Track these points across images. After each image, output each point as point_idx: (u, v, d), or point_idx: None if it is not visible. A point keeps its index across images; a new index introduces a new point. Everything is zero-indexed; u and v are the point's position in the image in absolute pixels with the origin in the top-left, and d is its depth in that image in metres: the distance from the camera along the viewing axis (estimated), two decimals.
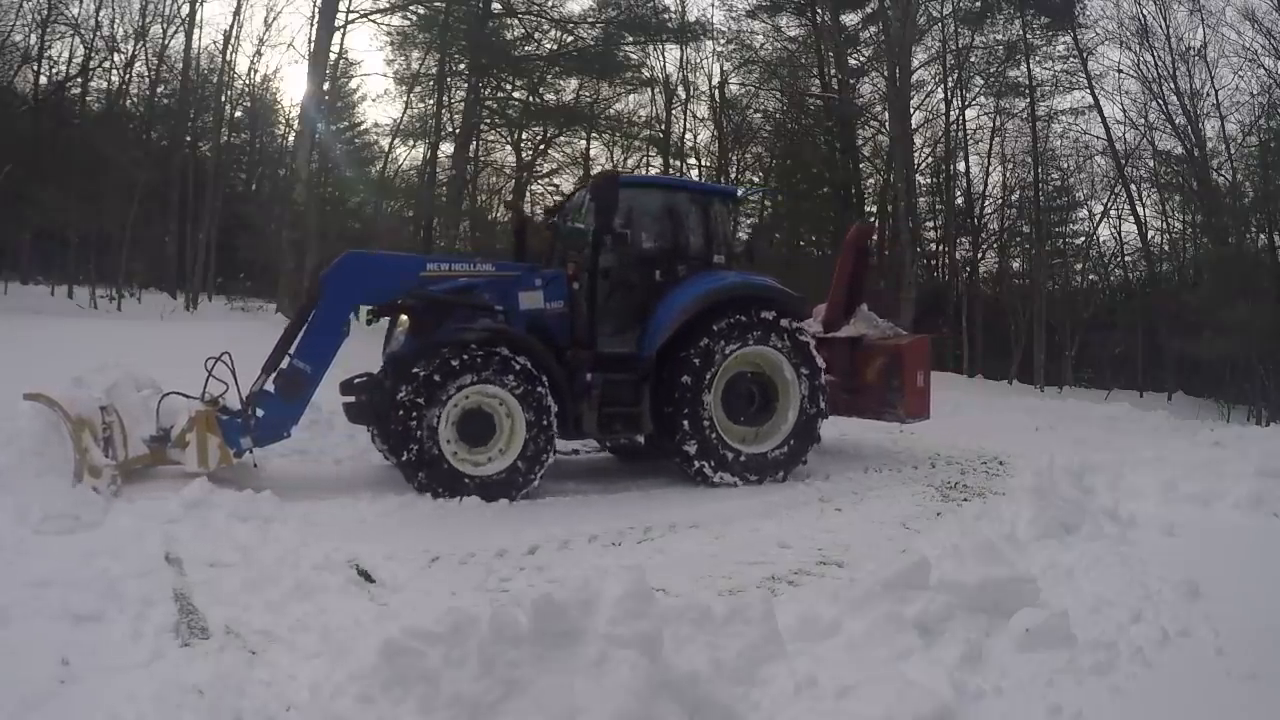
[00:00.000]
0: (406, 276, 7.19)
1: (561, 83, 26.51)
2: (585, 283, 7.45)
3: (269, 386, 6.69)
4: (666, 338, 7.45)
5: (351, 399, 7.20)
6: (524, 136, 27.39)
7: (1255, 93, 24.96)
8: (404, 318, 7.19)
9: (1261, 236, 24.87)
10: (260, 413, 6.58)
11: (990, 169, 29.70)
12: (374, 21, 23.65)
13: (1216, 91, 25.44)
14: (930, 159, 29.45)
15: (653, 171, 29.96)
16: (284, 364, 6.77)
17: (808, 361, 7.90)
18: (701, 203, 8.30)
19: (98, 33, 26.88)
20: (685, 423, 7.31)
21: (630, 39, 25.87)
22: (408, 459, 6.41)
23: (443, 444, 6.47)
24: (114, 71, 28.08)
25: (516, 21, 24.55)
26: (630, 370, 7.44)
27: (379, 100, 57.34)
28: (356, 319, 7.31)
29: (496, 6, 23.99)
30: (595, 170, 28.58)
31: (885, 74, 26.32)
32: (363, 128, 33.96)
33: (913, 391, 8.75)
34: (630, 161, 29.68)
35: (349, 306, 7.02)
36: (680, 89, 28.99)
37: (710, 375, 7.42)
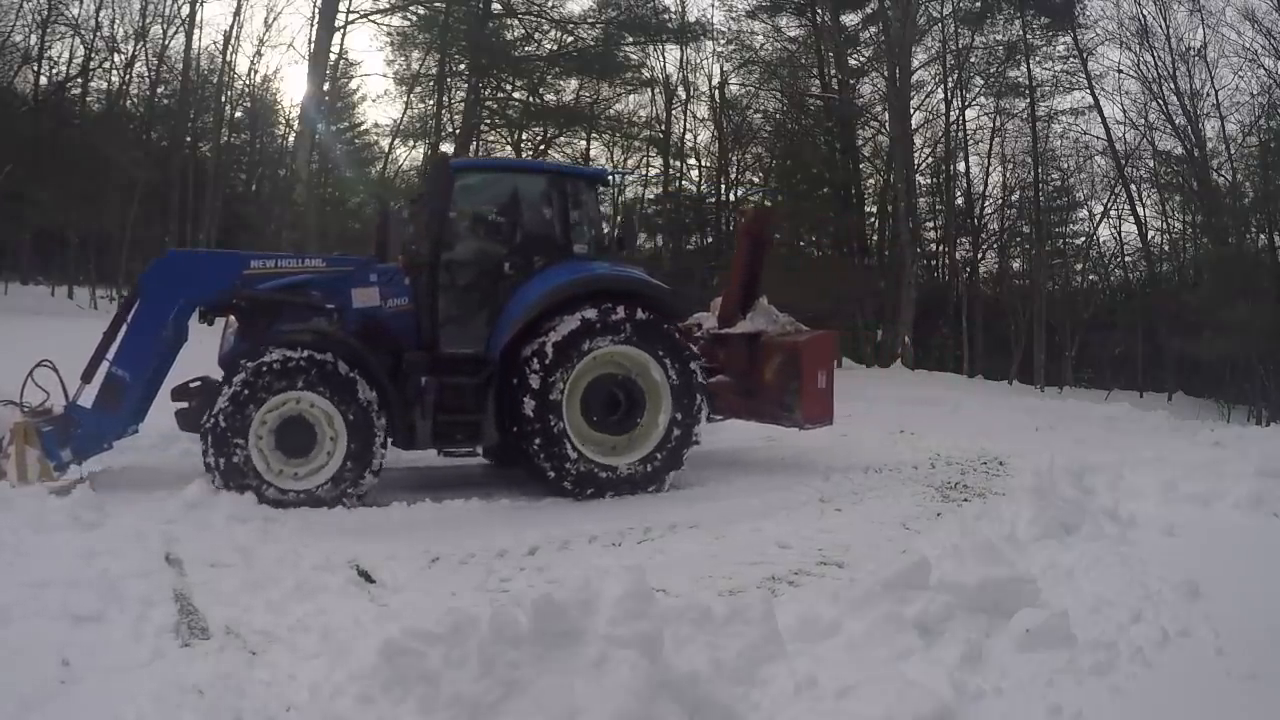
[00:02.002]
0: (228, 275, 6.74)
1: (561, 83, 26.55)
2: (424, 277, 6.85)
3: (87, 398, 6.34)
4: (510, 337, 6.81)
5: (183, 405, 6.59)
6: (524, 137, 27.40)
7: (1255, 93, 24.98)
8: (232, 317, 6.81)
9: (1261, 236, 24.89)
10: (80, 424, 6.24)
11: (990, 169, 29.72)
12: (374, 22, 23.70)
13: (1216, 91, 25.47)
14: (930, 159, 29.48)
15: (653, 172, 30.01)
16: (102, 371, 6.39)
17: (680, 362, 7.16)
18: (560, 186, 7.47)
19: (98, 33, 26.88)
20: (534, 432, 6.64)
21: (630, 39, 25.89)
22: (223, 470, 5.93)
23: (255, 456, 5.99)
24: (114, 72, 28.08)
25: (516, 22, 24.57)
26: (471, 373, 6.80)
27: (379, 101, 57.34)
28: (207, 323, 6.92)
29: (496, 7, 24.01)
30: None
31: (885, 74, 26.36)
32: (363, 128, 34.00)
33: (812, 394, 7.92)
34: (630, 162, 29.72)
35: (169, 308, 6.51)
36: (680, 89, 29.02)
37: (564, 378, 6.74)
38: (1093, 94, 27.43)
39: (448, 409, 6.70)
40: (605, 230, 8.22)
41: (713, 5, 51.79)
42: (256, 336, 6.39)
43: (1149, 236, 28.70)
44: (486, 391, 6.83)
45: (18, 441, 5.87)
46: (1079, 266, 30.47)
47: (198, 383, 6.72)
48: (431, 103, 26.15)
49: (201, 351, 6.97)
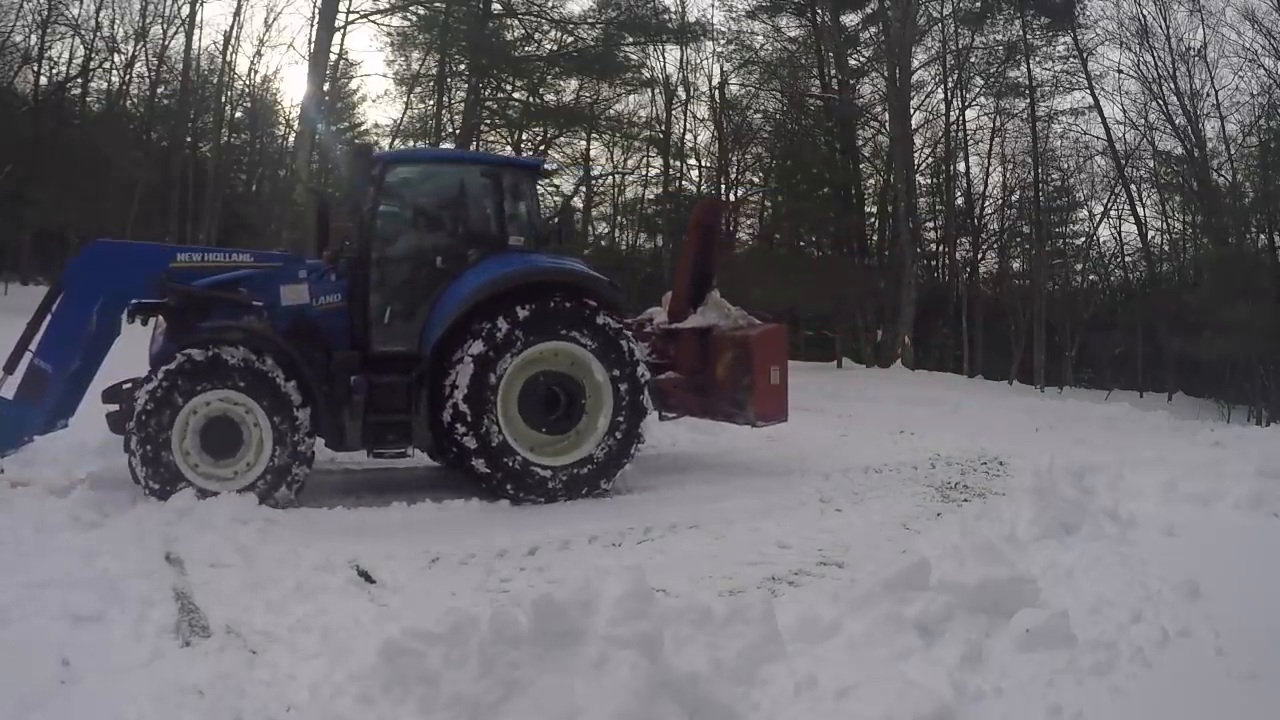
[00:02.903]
0: (153, 267, 6.50)
1: (561, 83, 26.57)
2: (353, 273, 6.67)
3: (7, 389, 6.18)
4: (441, 333, 6.57)
5: (114, 407, 6.32)
6: (524, 137, 27.41)
7: (1255, 93, 24.98)
8: (160, 318, 6.65)
9: (1261, 237, 24.89)
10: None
11: (990, 169, 29.74)
12: (374, 22, 23.72)
13: (1216, 92, 25.47)
14: (930, 159, 29.50)
15: (653, 173, 30.02)
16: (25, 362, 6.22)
17: (621, 357, 6.90)
18: (494, 177, 7.19)
19: (98, 33, 26.90)
20: (468, 433, 6.40)
21: (630, 40, 25.91)
22: (142, 474, 5.77)
23: (179, 456, 5.82)
24: (114, 72, 28.11)
25: (516, 22, 24.59)
26: (403, 372, 6.59)
27: (379, 101, 57.15)
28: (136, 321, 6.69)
29: (496, 7, 24.02)
30: (595, 171, 28.64)
31: (885, 74, 26.39)
32: (363, 128, 33.98)
33: (764, 390, 7.64)
34: (630, 162, 29.73)
35: (93, 300, 6.29)
36: (680, 89, 29.02)
37: (498, 376, 6.50)
38: (1093, 94, 27.47)
39: (378, 409, 6.50)
40: (543, 221, 7.96)
41: (713, 5, 51.69)
42: (183, 336, 6.21)
43: (1149, 236, 28.74)
44: (419, 390, 6.63)
45: None
46: (1079, 266, 30.50)
47: (129, 384, 6.39)
48: (431, 103, 26.17)
49: (139, 351, 6.79)
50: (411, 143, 28.09)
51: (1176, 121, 25.80)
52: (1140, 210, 28.23)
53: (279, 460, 6.02)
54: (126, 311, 6.66)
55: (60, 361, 6.21)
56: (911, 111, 26.31)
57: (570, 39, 25.00)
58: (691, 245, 8.92)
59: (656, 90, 28.53)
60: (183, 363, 5.85)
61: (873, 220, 30.92)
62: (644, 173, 30.45)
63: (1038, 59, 27.93)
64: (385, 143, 30.27)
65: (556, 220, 8.55)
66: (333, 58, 23.63)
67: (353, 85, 32.07)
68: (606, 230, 32.20)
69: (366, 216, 6.79)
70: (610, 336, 6.90)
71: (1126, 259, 30.77)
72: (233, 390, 5.95)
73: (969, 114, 28.94)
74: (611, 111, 28.24)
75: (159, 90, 28.45)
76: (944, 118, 28.73)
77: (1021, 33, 27.57)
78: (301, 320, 6.56)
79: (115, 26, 27.22)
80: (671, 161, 29.14)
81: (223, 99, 28.38)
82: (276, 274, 6.68)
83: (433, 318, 6.70)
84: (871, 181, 30.68)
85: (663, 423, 8.20)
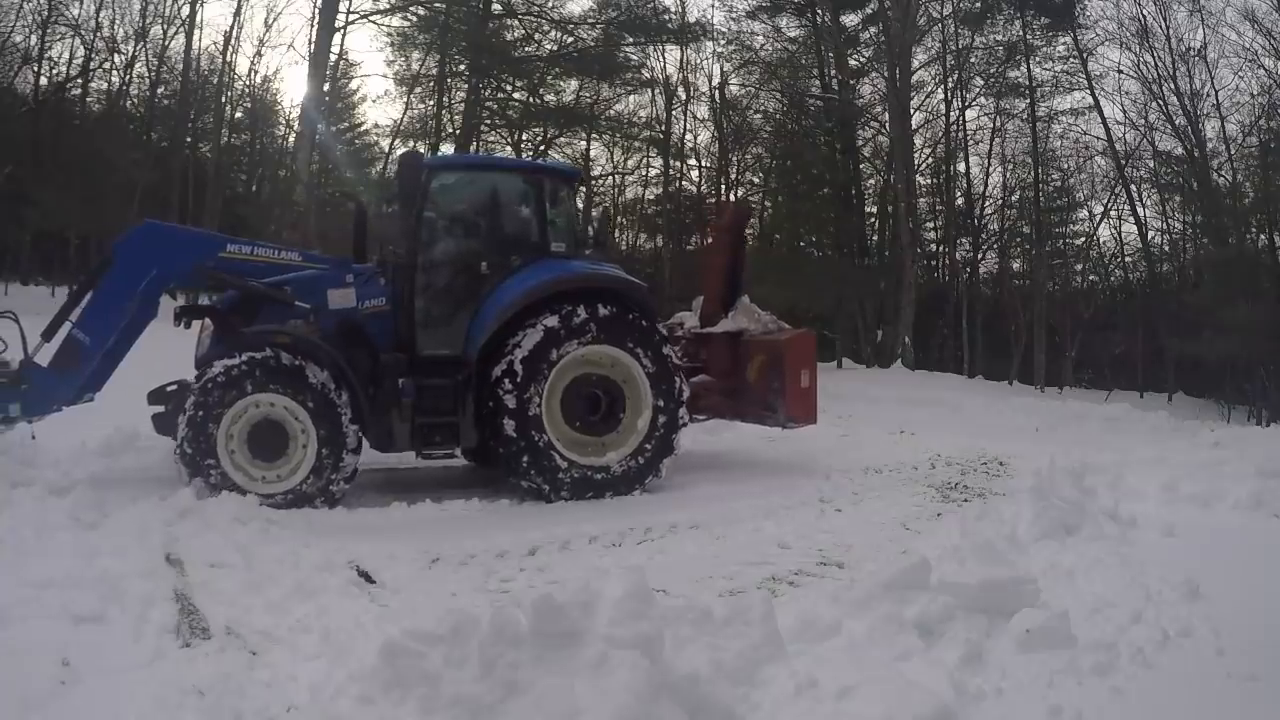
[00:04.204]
0: (204, 253, 6.62)
1: (562, 84, 26.58)
2: (401, 277, 6.79)
3: (44, 356, 6.24)
4: (488, 337, 6.69)
5: (160, 409, 6.48)
6: (524, 137, 27.43)
7: (1255, 93, 24.97)
8: (207, 320, 6.76)
9: (1261, 237, 24.87)
10: (32, 381, 6.12)
11: (990, 170, 29.74)
12: (374, 23, 23.74)
13: (1216, 92, 25.46)
14: (930, 160, 29.49)
15: (653, 173, 30.02)
16: (64, 332, 6.29)
17: (660, 361, 7.08)
18: (536, 184, 7.36)
19: (98, 34, 26.91)
20: (512, 433, 6.52)
21: (630, 40, 25.92)
22: (190, 475, 5.87)
23: (225, 459, 5.92)
24: (114, 72, 28.12)
25: (517, 22, 24.60)
26: (450, 375, 6.70)
27: (379, 101, 57.30)
28: (173, 299, 6.76)
29: (497, 7, 24.04)
30: (595, 172, 28.64)
31: (885, 74, 26.36)
32: (363, 129, 34.04)
33: (795, 393, 7.80)
34: (630, 162, 29.73)
35: (140, 278, 6.34)
36: (680, 90, 29.00)
37: (543, 378, 6.64)
38: (1093, 94, 27.47)
39: (426, 411, 6.61)
40: (580, 228, 8.10)
41: (713, 5, 51.75)
42: (231, 338, 6.30)
43: (1149, 237, 28.74)
44: (465, 393, 6.71)
45: None
46: (1079, 267, 30.49)
47: (174, 386, 6.60)
48: (431, 103, 26.20)
49: (177, 353, 6.86)
50: (412, 143, 28.14)
51: (1176, 122, 25.82)
52: (1140, 210, 28.27)
53: (324, 464, 6.10)
54: (174, 314, 6.81)
55: (99, 335, 6.26)
56: (911, 111, 26.31)
57: (570, 39, 25.03)
58: (722, 251, 9.06)
59: (656, 90, 28.56)
60: (233, 366, 5.94)
61: (873, 220, 30.94)
62: (644, 173, 30.49)
63: (1038, 59, 27.96)
64: (385, 143, 30.48)
65: (594, 226, 8.63)
66: (333, 58, 23.68)
67: (353, 85, 32.17)
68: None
69: (413, 221, 6.85)
70: (650, 341, 7.07)
71: (1126, 259, 30.81)
72: (280, 394, 6.04)
73: (969, 114, 28.97)
74: (611, 112, 28.29)
75: (159, 90, 28.48)
76: (944, 118, 28.75)
77: (1021, 33, 27.57)
78: (348, 323, 6.65)
79: (115, 27, 27.26)
80: (671, 162, 29.16)
81: (223, 99, 28.41)
82: (324, 277, 6.77)
83: (478, 321, 6.81)
84: (871, 181, 30.71)
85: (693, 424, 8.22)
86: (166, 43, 27.59)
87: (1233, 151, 25.82)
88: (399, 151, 28.84)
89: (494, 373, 6.61)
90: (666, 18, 26.36)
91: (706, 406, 8.11)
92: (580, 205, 8.02)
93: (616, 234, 31.35)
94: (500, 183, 7.46)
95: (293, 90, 53.52)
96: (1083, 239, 30.18)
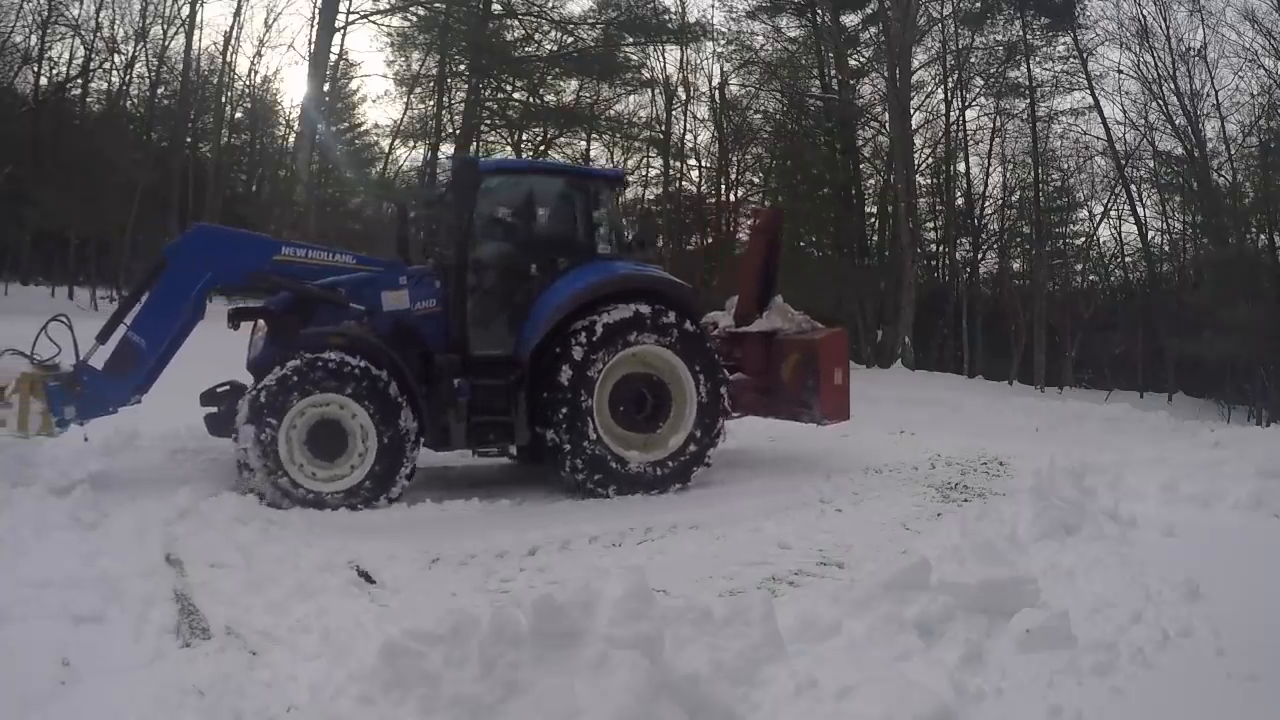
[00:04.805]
0: (259, 257, 6.68)
1: (562, 84, 26.60)
2: (453, 279, 6.87)
3: (98, 358, 6.29)
4: (541, 338, 6.83)
5: (214, 409, 6.58)
6: (524, 137, 27.44)
7: (1255, 93, 25.00)
8: (261, 322, 6.81)
9: (1261, 237, 24.89)
10: (87, 383, 6.16)
11: (990, 170, 29.77)
12: (374, 23, 23.77)
13: (1216, 92, 25.49)
14: (930, 160, 29.50)
15: (653, 173, 30.02)
16: (119, 335, 6.35)
17: (705, 360, 7.25)
18: (582, 188, 7.56)
19: (98, 34, 26.93)
20: (564, 431, 6.67)
21: (630, 40, 25.93)
22: (252, 475, 5.94)
23: (285, 459, 5.98)
24: (114, 73, 28.15)
25: (517, 22, 24.62)
26: (503, 375, 6.82)
27: (379, 101, 57.35)
28: (211, 301, 6.79)
29: (497, 7, 24.05)
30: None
31: (885, 75, 26.37)
32: (363, 129, 34.04)
33: (829, 390, 8.01)
34: (630, 162, 29.71)
35: (194, 281, 6.42)
36: (680, 90, 29.04)
37: (593, 378, 6.78)
38: (1093, 94, 27.49)
39: (480, 410, 6.73)
40: (623, 230, 8.21)
41: (713, 6, 51.87)
42: (286, 340, 6.37)
43: (1149, 237, 28.77)
44: (517, 392, 6.85)
45: (23, 392, 5.82)
46: (1079, 267, 30.52)
47: (226, 387, 6.70)
48: (431, 103, 26.21)
49: (222, 352, 6.91)
50: (412, 143, 28.17)
51: (1176, 122, 25.85)
52: (1140, 210, 28.30)
53: (384, 465, 6.17)
54: (227, 316, 6.91)
55: (155, 337, 6.34)
56: (911, 111, 26.32)
57: (570, 39, 25.04)
58: (757, 252, 9.28)
59: (656, 90, 28.59)
60: (294, 367, 6.00)
61: (873, 220, 30.95)
62: (644, 173, 30.48)
63: (1038, 59, 27.99)
64: (385, 143, 30.47)
65: (636, 229, 8.77)
66: (333, 58, 23.69)
67: (353, 85, 32.19)
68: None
69: (467, 224, 6.93)
70: (694, 340, 7.22)
71: (1126, 259, 30.84)
72: (341, 395, 6.10)
73: (969, 114, 29.01)
74: (611, 112, 28.33)
75: (159, 91, 28.50)
76: (944, 118, 28.78)
77: (1021, 33, 27.60)
78: (401, 325, 6.75)
79: (115, 27, 27.30)
80: (671, 162, 29.18)
81: (223, 99, 28.45)
82: (378, 279, 6.85)
83: (529, 322, 6.92)
84: (871, 182, 30.73)
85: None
86: (166, 43, 27.65)
87: (1233, 151, 25.88)
88: (399, 151, 28.96)
89: (546, 372, 6.76)
90: (666, 18, 26.41)
91: (742, 404, 8.24)
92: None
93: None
94: (549, 186, 7.66)
95: (293, 90, 53.63)
96: (1083, 239, 30.24)
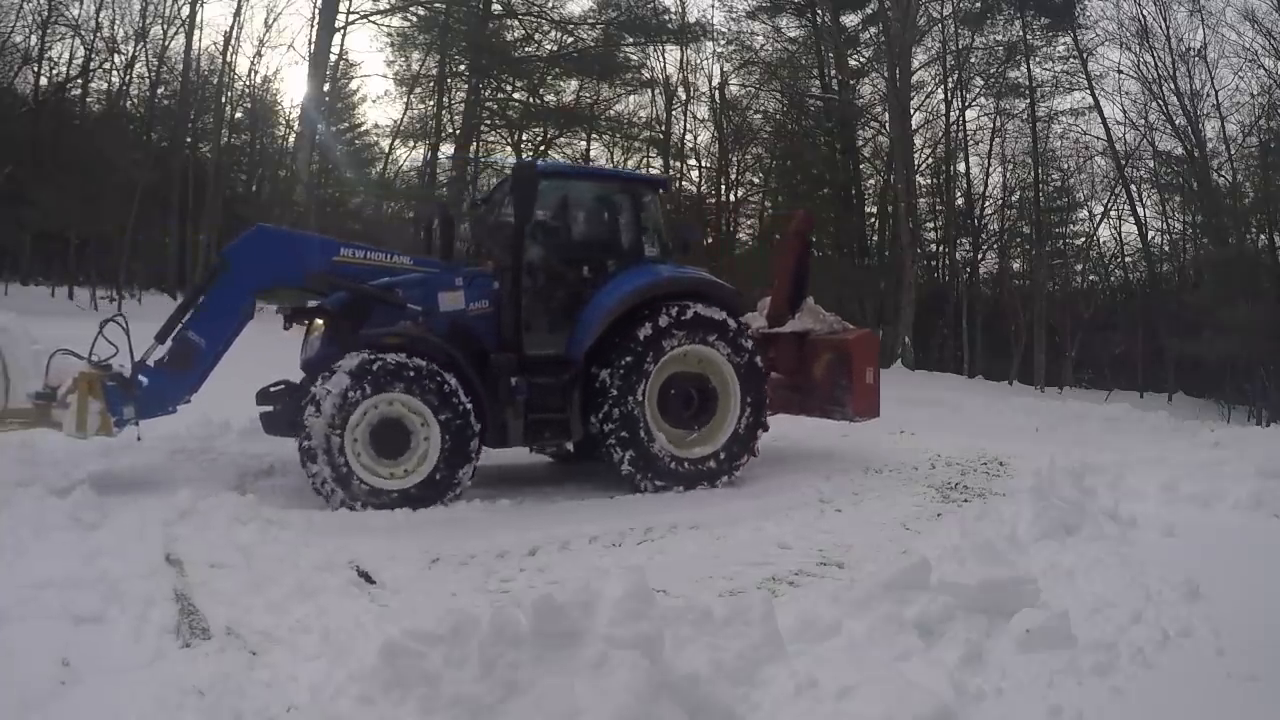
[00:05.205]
0: (318, 258, 6.75)
1: (562, 84, 26.60)
2: (509, 281, 7.02)
3: (158, 358, 6.34)
4: (595, 338, 7.02)
5: (268, 408, 6.69)
6: (524, 137, 27.44)
7: (1255, 93, 25.04)
8: (318, 321, 6.86)
9: (1261, 237, 24.91)
10: (145, 383, 6.21)
11: (990, 170, 29.81)
12: (374, 23, 23.78)
13: (1216, 92, 25.53)
14: (930, 160, 29.53)
15: (653, 173, 29.97)
16: (177, 335, 6.40)
17: (749, 360, 7.47)
18: (631, 192, 7.80)
19: (98, 34, 26.96)
20: (617, 428, 6.89)
21: (630, 40, 25.94)
22: (318, 471, 6.03)
23: (351, 456, 6.08)
24: (114, 73, 28.17)
25: (517, 23, 24.62)
26: (558, 373, 6.99)
27: (379, 101, 57.36)
28: (264, 306, 6.87)
29: (497, 8, 24.04)
30: None
31: (885, 75, 26.38)
32: (363, 129, 34.06)
33: (861, 389, 8.32)
34: (630, 162, 29.71)
35: (253, 282, 6.56)
36: (680, 90, 29.07)
37: (644, 377, 6.99)
38: (1093, 94, 27.53)
39: (536, 408, 6.89)
40: (666, 233, 8.38)
41: (713, 6, 51.92)
42: (344, 339, 6.43)
43: (1149, 237, 28.81)
44: (571, 390, 7.01)
45: (81, 391, 5.83)
46: (1079, 267, 30.56)
47: (280, 386, 6.78)
48: (431, 103, 26.21)
49: (267, 352, 6.96)
50: (412, 143, 28.18)
51: (1176, 122, 25.88)
52: (1140, 210, 28.35)
53: (447, 463, 6.27)
54: (284, 315, 7.08)
55: (214, 337, 6.41)
56: (911, 112, 26.33)
57: (570, 39, 25.04)
58: (789, 255, 9.47)
59: (656, 91, 28.62)
60: (359, 366, 6.10)
61: (873, 220, 30.98)
62: (644, 173, 30.44)
63: (1038, 59, 28.05)
64: (385, 143, 30.48)
65: (679, 232, 8.99)
66: (333, 58, 23.69)
67: (353, 85, 32.20)
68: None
69: (524, 227, 7.06)
70: (738, 341, 7.45)
71: (1126, 259, 30.88)
72: (405, 394, 6.19)
73: (969, 114, 29.06)
74: (611, 112, 28.33)
75: (159, 91, 28.52)
76: (944, 118, 28.82)
77: (1021, 33, 27.64)
78: (456, 324, 6.85)
79: (115, 27, 27.32)
80: (671, 162, 29.16)
81: (223, 99, 28.43)
82: (435, 280, 6.95)
83: (582, 323, 7.11)
84: (871, 182, 30.76)
85: None
86: (166, 43, 27.68)
87: (1233, 151, 25.92)
88: (399, 151, 28.94)
89: (599, 371, 6.97)
90: (666, 18, 26.43)
91: (775, 403, 8.34)
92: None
93: None
94: (599, 191, 7.88)
95: (293, 90, 53.63)
96: (1083, 239, 30.28)
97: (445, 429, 6.26)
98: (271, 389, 6.79)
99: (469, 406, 6.34)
